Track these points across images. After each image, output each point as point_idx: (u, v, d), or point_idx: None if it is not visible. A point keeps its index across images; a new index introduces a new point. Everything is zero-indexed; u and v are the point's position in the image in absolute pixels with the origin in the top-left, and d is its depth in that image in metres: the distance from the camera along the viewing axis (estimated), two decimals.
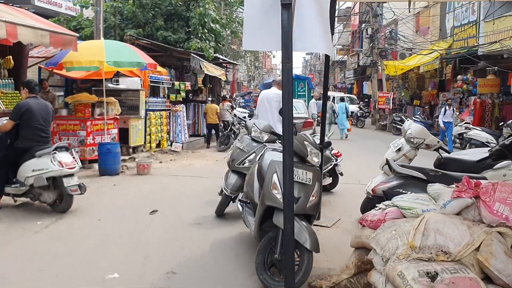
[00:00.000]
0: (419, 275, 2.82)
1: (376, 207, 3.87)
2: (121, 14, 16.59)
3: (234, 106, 19.83)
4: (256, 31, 3.11)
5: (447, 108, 16.88)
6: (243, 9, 14.50)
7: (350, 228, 5.87)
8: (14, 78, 9.67)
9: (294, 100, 7.78)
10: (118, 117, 11.22)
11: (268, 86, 22.79)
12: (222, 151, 14.71)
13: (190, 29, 16.70)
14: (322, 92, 20.36)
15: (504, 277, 2.82)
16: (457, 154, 5.83)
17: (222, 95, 21.76)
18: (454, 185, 3.57)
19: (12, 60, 9.72)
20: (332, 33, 3.26)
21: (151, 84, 13.52)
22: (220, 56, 20.21)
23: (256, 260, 4.03)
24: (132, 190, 8.03)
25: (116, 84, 12.49)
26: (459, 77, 21.29)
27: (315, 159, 4.19)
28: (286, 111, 2.94)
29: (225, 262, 4.70)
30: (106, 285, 4.12)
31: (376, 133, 23.69)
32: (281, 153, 5.23)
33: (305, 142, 4.18)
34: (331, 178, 7.88)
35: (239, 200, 5.15)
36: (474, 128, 16.12)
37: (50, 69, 11.29)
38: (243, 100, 37.59)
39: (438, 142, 5.68)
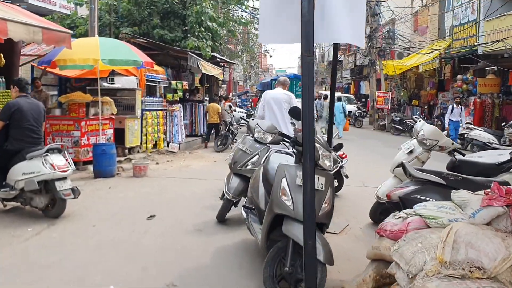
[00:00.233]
0: None
1: (395, 215, 3.56)
2: (116, 12, 16.26)
3: (234, 107, 19.49)
4: (272, 23, 2.84)
5: (454, 106, 16.52)
6: (240, 8, 14.20)
7: (360, 235, 5.58)
8: (5, 77, 9.29)
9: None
10: (113, 117, 10.89)
11: (266, 85, 22.60)
12: (219, 152, 14.46)
13: (186, 27, 16.38)
14: (320, 92, 20.12)
15: None
16: (471, 157, 5.54)
17: (219, 94, 21.46)
18: (482, 192, 3.27)
19: (3, 58, 9.35)
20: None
21: (147, 83, 13.18)
22: (218, 55, 19.89)
23: (264, 273, 3.72)
24: (128, 193, 7.69)
25: (112, 83, 12.17)
26: (458, 76, 21.09)
27: (327, 163, 3.88)
28: (306, 111, 2.63)
29: (229, 273, 4.38)
30: None
31: (374, 133, 23.43)
32: (288, 156, 4.98)
33: (316, 145, 3.87)
34: (336, 180, 7.58)
35: (243, 206, 4.82)
36: (475, 128, 15.85)
37: (43, 68, 10.94)
38: (239, 100, 37.31)
39: (453, 143, 5.39)
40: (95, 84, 10.41)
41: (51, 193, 6.06)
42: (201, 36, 16.51)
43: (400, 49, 26.70)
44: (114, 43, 10.74)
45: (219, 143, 14.97)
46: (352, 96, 34.40)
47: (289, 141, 4.11)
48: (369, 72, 27.43)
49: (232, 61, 26.73)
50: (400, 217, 3.47)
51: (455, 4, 21.78)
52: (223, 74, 21.38)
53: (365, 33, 27.09)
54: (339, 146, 4.17)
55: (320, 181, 3.72)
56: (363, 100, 35.03)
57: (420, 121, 5.95)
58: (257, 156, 5.85)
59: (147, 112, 12.61)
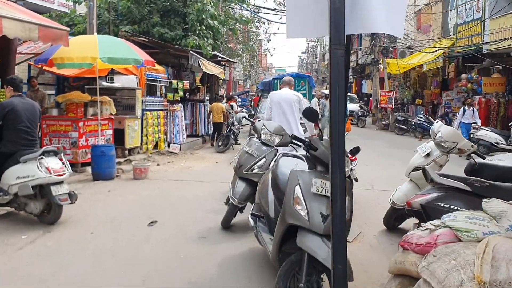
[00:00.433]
0: None
1: (421, 226, 3.25)
2: (115, 10, 15.97)
3: (236, 108, 19.20)
4: (300, 17, 2.56)
5: (466, 108, 16.08)
6: (241, 6, 13.87)
7: (374, 243, 5.26)
8: (1, 76, 8.99)
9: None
10: (112, 117, 10.58)
11: (267, 84, 22.22)
12: (221, 152, 14.17)
13: (187, 25, 16.08)
14: (322, 91, 19.75)
15: None
16: (492, 160, 5.23)
17: (220, 94, 21.16)
18: None
19: None
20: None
21: (147, 83, 12.88)
22: (219, 54, 19.57)
23: None
24: (128, 197, 7.37)
25: (111, 82, 11.87)
26: (463, 75, 20.81)
27: (345, 168, 3.56)
28: (336, 116, 2.31)
29: (237, 285, 4.08)
30: None
31: (378, 133, 23.12)
32: (298, 159, 4.67)
33: None
34: None
35: (251, 214, 4.49)
36: (482, 128, 15.52)
37: (39, 66, 10.63)
38: (239, 100, 36.93)
39: (472, 146, 5.07)
40: (93, 83, 10.11)
41: (46, 198, 5.75)
42: (202, 34, 16.22)
43: (402, 47, 26.38)
44: (113, 41, 10.43)
45: (220, 143, 14.66)
46: (355, 95, 34.05)
47: (302, 145, 3.77)
48: (372, 71, 27.12)
49: (233, 60, 26.39)
50: (426, 229, 3.16)
51: (459, 3, 21.46)
52: (224, 73, 21.08)
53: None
54: (356, 150, 3.85)
55: None
56: (365, 99, 34.73)
57: (437, 121, 5.64)
58: (264, 159, 5.53)
59: (148, 112, 12.31)
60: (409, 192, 5.31)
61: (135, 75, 12.13)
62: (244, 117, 17.73)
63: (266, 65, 79.69)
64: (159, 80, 13.63)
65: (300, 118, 7.11)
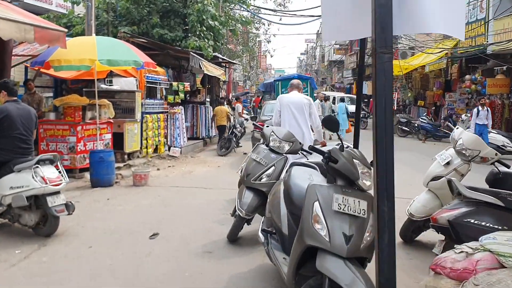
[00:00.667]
0: None
1: (455, 248, 2.93)
2: (114, 11, 15.68)
3: (239, 110, 18.88)
4: (337, 19, 2.27)
5: (480, 108, 15.59)
6: (242, 6, 13.53)
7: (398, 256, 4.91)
8: None
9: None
10: (111, 120, 10.26)
11: (268, 86, 21.91)
12: (223, 156, 13.86)
13: (187, 26, 15.78)
14: (323, 92, 19.40)
15: None
16: None
17: (221, 96, 20.85)
18: None
19: None
20: None
21: (147, 85, 12.56)
22: (219, 55, 19.27)
23: None
24: (128, 206, 7.04)
25: (110, 85, 11.56)
26: (467, 77, 20.54)
27: (367, 182, 3.25)
28: (382, 128, 2.00)
29: None
30: None
31: None
32: (312, 170, 4.34)
33: (355, 160, 3.24)
34: None
35: (262, 230, 4.15)
36: (489, 131, 15.22)
37: (36, 69, 10.31)
38: (234, 100, 36.50)
39: (496, 154, 4.76)
40: (92, 85, 9.80)
41: (42, 209, 5.42)
42: (202, 35, 15.94)
43: (404, 48, 26.09)
44: (112, 42, 10.10)
45: (222, 146, 14.35)
46: (355, 97, 33.71)
47: (321, 156, 3.43)
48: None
49: (234, 62, 26.08)
50: (462, 251, 2.84)
51: None
52: (225, 74, 20.78)
53: None
54: None
55: (361, 206, 3.09)
56: (365, 100, 34.41)
57: (457, 128, 5.32)
58: (273, 167, 5.19)
59: (148, 115, 11.98)
60: (428, 203, 5.00)
61: (134, 77, 11.81)
62: (245, 119, 17.47)
63: (265, 66, 79.45)
64: (159, 82, 13.32)
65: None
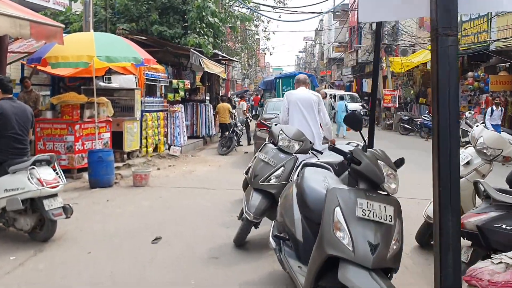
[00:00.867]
0: None
1: (492, 257, 2.67)
2: (112, 8, 15.37)
3: (242, 107, 18.63)
4: None
5: (494, 108, 15.24)
6: (242, 2, 13.24)
7: (409, 264, 4.65)
8: None
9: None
10: (110, 119, 9.98)
11: (269, 84, 21.61)
12: (224, 155, 13.59)
13: (186, 23, 15.48)
14: (324, 90, 19.13)
15: None
16: None
17: (221, 94, 20.60)
18: None
19: None
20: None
21: (147, 83, 12.28)
22: (219, 53, 18.97)
23: None
24: (128, 209, 6.75)
25: (108, 83, 11.29)
26: (469, 74, 20.31)
27: (392, 185, 2.98)
28: (445, 126, 1.72)
29: None
30: None
31: (382, 133, 22.53)
32: (325, 170, 4.07)
33: (379, 161, 2.97)
34: None
35: (274, 236, 3.86)
36: (465, 123, 14.90)
37: (33, 66, 10.01)
38: (238, 99, 36.22)
39: None
40: (90, 83, 9.54)
41: (38, 213, 5.14)
42: (202, 32, 15.65)
43: (405, 46, 25.83)
44: (111, 38, 9.81)
45: (223, 145, 14.07)
46: (356, 95, 33.47)
47: (342, 156, 3.16)
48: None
49: (234, 59, 25.79)
50: (501, 262, 2.58)
51: None
52: (225, 72, 20.51)
53: (371, 29, 26.24)
54: (401, 162, 3.26)
55: (387, 211, 2.82)
56: (365, 98, 34.17)
57: (477, 125, 5.05)
58: (282, 168, 4.91)
59: (147, 114, 11.71)
60: None
61: (133, 74, 11.54)
62: (247, 117, 17.20)
63: (263, 64, 79.15)
64: (159, 80, 13.04)
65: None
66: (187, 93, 15.99)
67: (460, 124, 13.20)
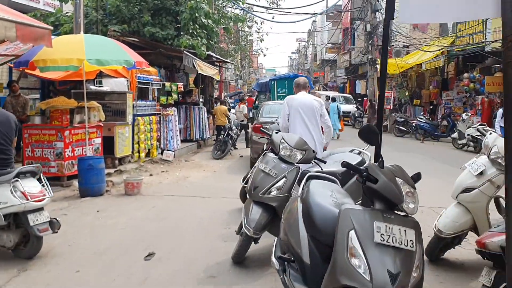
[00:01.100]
0: None
1: None
2: (103, 9, 15.03)
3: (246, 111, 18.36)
4: None
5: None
6: (235, 3, 12.95)
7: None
8: None
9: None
10: (101, 124, 9.65)
11: (264, 85, 21.32)
12: (218, 159, 13.28)
13: (179, 25, 15.18)
14: (318, 92, 18.86)
15: None
16: None
17: (215, 96, 20.30)
18: None
19: None
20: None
21: (139, 86, 11.94)
22: (213, 54, 18.67)
23: None
24: (120, 220, 6.42)
25: (99, 86, 10.93)
26: (465, 75, 20.17)
27: (411, 205, 2.70)
28: None
29: None
30: None
31: None
32: (332, 183, 3.78)
33: (397, 179, 2.69)
34: None
35: (279, 257, 3.55)
36: (492, 130, 14.70)
37: (21, 70, 9.66)
38: (231, 101, 35.92)
39: None
40: (80, 87, 9.17)
41: (23, 228, 4.81)
42: (195, 34, 15.34)
43: (399, 47, 25.66)
44: (102, 40, 9.49)
45: (217, 149, 13.76)
46: (350, 96, 33.29)
47: (360, 175, 2.83)
48: (369, 71, 26.37)
49: (228, 61, 25.49)
50: None
51: None
52: (219, 74, 20.21)
53: (365, 30, 26.03)
54: (417, 177, 2.98)
55: (408, 236, 2.54)
56: (359, 99, 34.01)
57: (490, 133, 4.77)
58: (283, 179, 4.60)
59: (139, 118, 11.37)
60: (458, 218, 4.46)
61: (125, 77, 11.19)
62: (242, 120, 16.89)
63: (256, 66, 79.02)
64: (151, 83, 12.70)
65: None
66: (180, 95, 15.68)
67: (457, 125, 12.89)
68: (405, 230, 2.54)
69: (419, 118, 20.69)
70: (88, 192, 7.82)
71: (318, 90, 40.94)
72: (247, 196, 5.09)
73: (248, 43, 39.16)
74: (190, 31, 15.07)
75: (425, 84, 25.91)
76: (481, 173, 4.39)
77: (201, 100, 17.96)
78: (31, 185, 4.83)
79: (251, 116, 17.77)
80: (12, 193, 4.65)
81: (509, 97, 1.62)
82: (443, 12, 1.85)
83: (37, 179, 5.02)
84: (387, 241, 2.50)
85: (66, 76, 10.21)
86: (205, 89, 19.26)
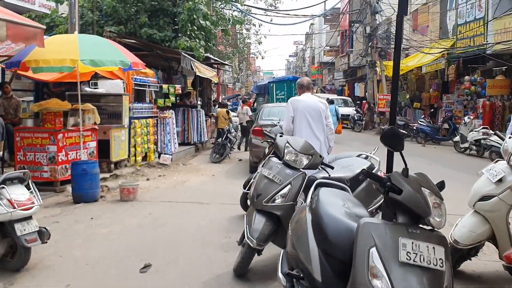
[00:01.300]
0: None
1: None
2: (99, 10, 14.75)
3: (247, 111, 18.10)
4: None
5: None
6: (234, 5, 12.68)
7: None
8: None
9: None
10: (96, 127, 9.34)
11: (262, 88, 21.08)
12: (216, 162, 12.99)
13: (177, 26, 14.91)
14: (317, 94, 18.58)
15: None
16: None
17: (213, 98, 20.02)
18: None
19: None
20: None
21: (135, 88, 11.63)
22: (211, 56, 18.39)
23: None
24: (114, 229, 6.08)
25: (95, 88, 10.65)
26: (466, 78, 19.96)
27: (438, 218, 2.41)
28: None
29: None
30: None
31: (377, 138, 21.77)
32: (343, 192, 3.49)
33: (423, 189, 2.40)
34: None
35: (287, 273, 3.24)
36: (495, 134, 14.45)
37: (13, 71, 9.36)
38: (230, 104, 35.66)
39: None
40: (75, 88, 8.87)
41: (9, 238, 4.50)
42: (193, 35, 15.09)
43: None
44: (96, 40, 9.18)
45: (216, 152, 13.46)
46: (349, 99, 33.01)
47: (383, 185, 2.52)
48: (368, 74, 26.15)
49: (226, 63, 25.23)
50: None
51: (459, 2, 20.60)
52: (217, 76, 19.94)
53: (365, 32, 25.80)
54: (441, 186, 2.69)
55: (437, 254, 2.24)
56: (357, 102, 33.79)
57: (510, 138, 4.49)
58: (288, 186, 4.29)
59: (136, 121, 11.06)
60: (476, 228, 4.17)
61: (121, 79, 10.90)
62: (241, 123, 16.61)
63: (254, 68, 78.99)
64: (148, 85, 12.39)
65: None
66: (178, 98, 15.38)
67: (459, 129, 12.56)
68: (433, 248, 2.25)
69: (420, 121, 20.45)
70: (81, 198, 7.51)
71: (317, 92, 40.75)
72: (249, 204, 4.80)
73: (246, 45, 38.91)
74: (188, 32, 14.85)
75: (425, 87, 25.70)
76: (500, 180, 4.10)
77: (199, 102, 17.68)
78: (18, 192, 4.52)
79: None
80: None
81: None
82: None
83: (26, 186, 4.71)
84: (413, 260, 2.21)
85: (60, 78, 9.94)
86: (203, 92, 18.96)
